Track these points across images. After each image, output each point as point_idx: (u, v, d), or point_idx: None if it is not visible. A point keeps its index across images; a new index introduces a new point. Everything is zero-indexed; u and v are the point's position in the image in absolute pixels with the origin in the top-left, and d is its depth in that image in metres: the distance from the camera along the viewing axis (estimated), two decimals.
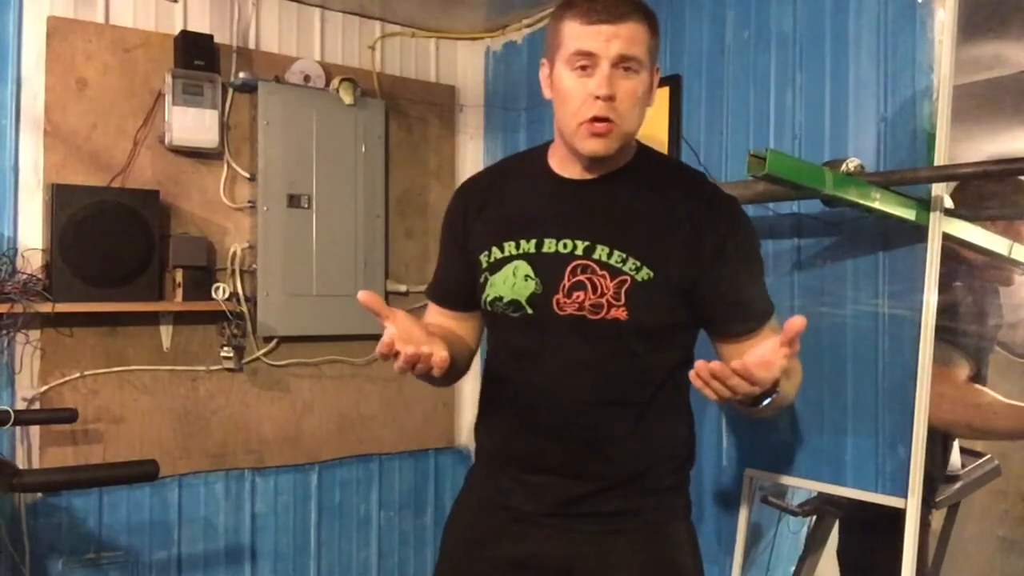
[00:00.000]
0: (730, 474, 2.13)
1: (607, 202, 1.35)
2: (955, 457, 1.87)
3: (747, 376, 1.11)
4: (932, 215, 1.72)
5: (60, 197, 2.21)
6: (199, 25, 2.51)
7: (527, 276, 1.34)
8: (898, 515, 1.71)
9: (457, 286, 1.49)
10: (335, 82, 2.67)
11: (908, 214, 1.72)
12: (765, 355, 1.11)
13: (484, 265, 1.40)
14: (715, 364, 1.12)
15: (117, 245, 2.27)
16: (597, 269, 1.30)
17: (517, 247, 1.36)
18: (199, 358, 2.51)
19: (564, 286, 1.32)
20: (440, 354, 1.19)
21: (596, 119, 1.26)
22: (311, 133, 2.63)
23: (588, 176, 1.37)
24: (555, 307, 1.32)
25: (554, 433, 1.36)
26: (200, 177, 2.52)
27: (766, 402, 1.20)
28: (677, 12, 2.33)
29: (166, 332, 2.46)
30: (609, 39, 1.24)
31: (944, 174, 1.67)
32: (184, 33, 2.44)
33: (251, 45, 2.62)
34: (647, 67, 1.30)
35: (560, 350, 1.34)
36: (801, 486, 2.00)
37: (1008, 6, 1.82)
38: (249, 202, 2.57)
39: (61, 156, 2.30)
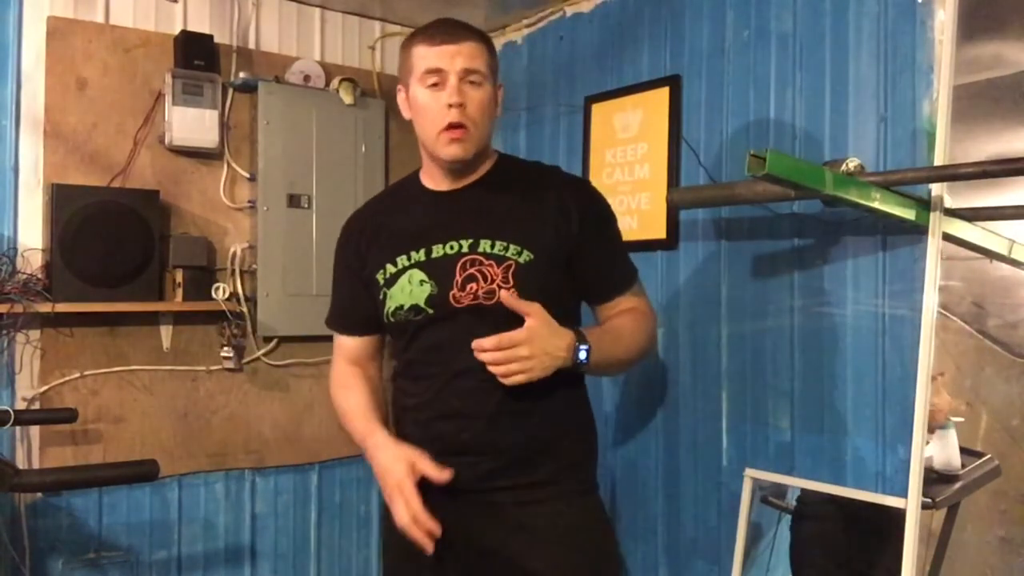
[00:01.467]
0: (730, 474, 2.13)
1: (481, 203, 1.52)
2: (955, 457, 1.86)
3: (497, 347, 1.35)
4: (932, 215, 1.72)
5: (60, 197, 2.22)
6: (199, 25, 2.51)
7: (422, 281, 1.49)
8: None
9: (357, 309, 1.63)
10: (335, 82, 2.67)
11: (908, 214, 1.72)
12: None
13: (381, 282, 1.54)
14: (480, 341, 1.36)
15: (117, 245, 2.27)
16: (484, 260, 1.46)
17: (408, 258, 1.51)
18: (199, 358, 2.51)
19: (457, 281, 1.46)
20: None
21: (451, 125, 1.44)
22: (311, 133, 2.63)
23: (458, 185, 1.54)
24: (452, 302, 1.46)
25: (466, 413, 1.47)
26: (200, 177, 2.52)
27: (583, 357, 1.41)
28: (677, 12, 2.33)
29: (166, 332, 2.46)
30: (453, 56, 1.44)
31: (944, 174, 1.67)
32: (184, 33, 2.45)
33: (251, 45, 2.62)
34: (489, 80, 1.48)
35: (464, 338, 1.43)
36: (801, 486, 2.00)
37: (1008, 6, 1.82)
38: (249, 202, 2.57)
39: (61, 156, 2.30)
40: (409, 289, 1.49)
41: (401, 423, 1.59)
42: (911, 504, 1.69)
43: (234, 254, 2.55)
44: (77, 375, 2.31)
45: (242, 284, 2.53)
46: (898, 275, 1.82)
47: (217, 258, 2.53)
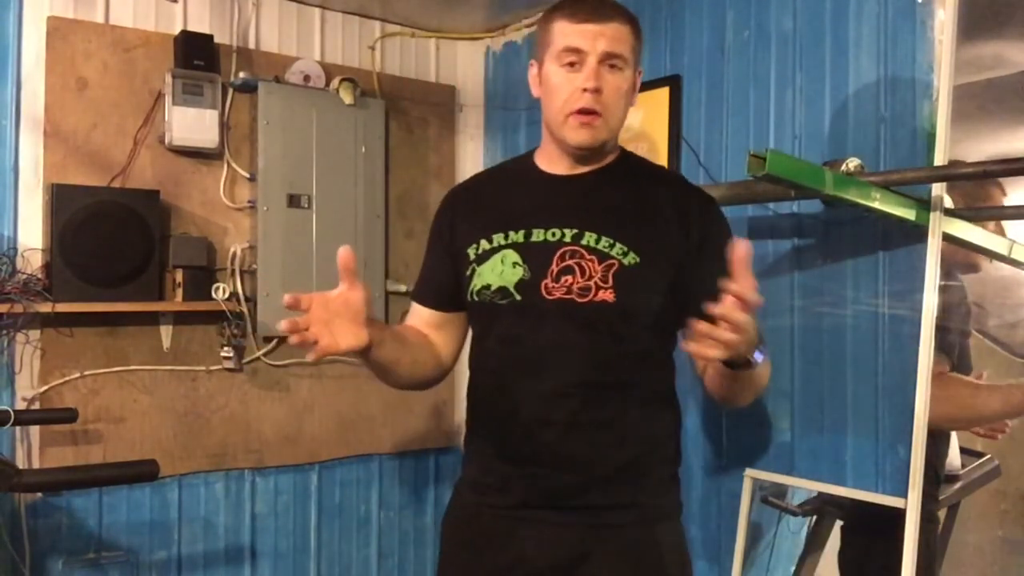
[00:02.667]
0: (730, 474, 2.13)
1: (595, 194, 1.41)
2: (955, 457, 1.86)
3: (729, 315, 1.10)
4: (932, 215, 1.71)
5: (60, 197, 2.21)
6: (199, 25, 2.51)
7: (515, 263, 1.38)
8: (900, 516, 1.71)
9: (441, 284, 1.51)
10: (335, 82, 2.67)
11: (908, 214, 1.72)
12: (727, 296, 1.10)
13: (472, 257, 1.43)
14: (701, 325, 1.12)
15: (117, 245, 2.27)
16: (585, 254, 1.35)
17: (506, 237, 1.40)
18: (199, 358, 2.51)
19: (552, 271, 1.35)
20: (328, 341, 1.27)
21: (583, 111, 1.33)
22: (311, 133, 2.63)
23: (575, 171, 1.43)
24: (543, 292, 1.35)
25: (542, 420, 1.36)
26: (200, 177, 2.52)
27: (760, 358, 1.22)
28: (677, 12, 2.33)
29: (166, 332, 2.46)
30: (596, 37, 1.33)
31: (944, 174, 1.67)
32: (184, 33, 2.44)
33: (251, 45, 2.62)
34: (631, 66, 1.38)
35: (548, 334, 1.35)
36: (801, 486, 2.00)
37: (1008, 6, 1.82)
38: (249, 202, 2.57)
39: (61, 156, 2.30)
40: (500, 270, 1.38)
41: (474, 420, 1.50)
42: (911, 504, 1.69)
43: (234, 254, 2.54)
44: (77, 375, 2.31)
45: (242, 284, 2.53)
46: (898, 275, 1.82)
47: (217, 258, 2.53)
